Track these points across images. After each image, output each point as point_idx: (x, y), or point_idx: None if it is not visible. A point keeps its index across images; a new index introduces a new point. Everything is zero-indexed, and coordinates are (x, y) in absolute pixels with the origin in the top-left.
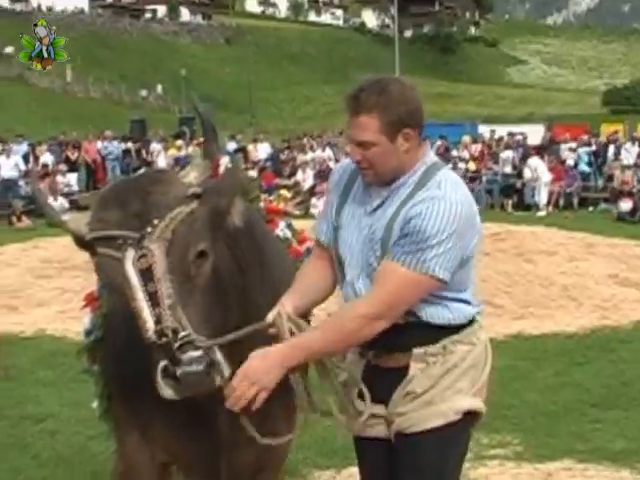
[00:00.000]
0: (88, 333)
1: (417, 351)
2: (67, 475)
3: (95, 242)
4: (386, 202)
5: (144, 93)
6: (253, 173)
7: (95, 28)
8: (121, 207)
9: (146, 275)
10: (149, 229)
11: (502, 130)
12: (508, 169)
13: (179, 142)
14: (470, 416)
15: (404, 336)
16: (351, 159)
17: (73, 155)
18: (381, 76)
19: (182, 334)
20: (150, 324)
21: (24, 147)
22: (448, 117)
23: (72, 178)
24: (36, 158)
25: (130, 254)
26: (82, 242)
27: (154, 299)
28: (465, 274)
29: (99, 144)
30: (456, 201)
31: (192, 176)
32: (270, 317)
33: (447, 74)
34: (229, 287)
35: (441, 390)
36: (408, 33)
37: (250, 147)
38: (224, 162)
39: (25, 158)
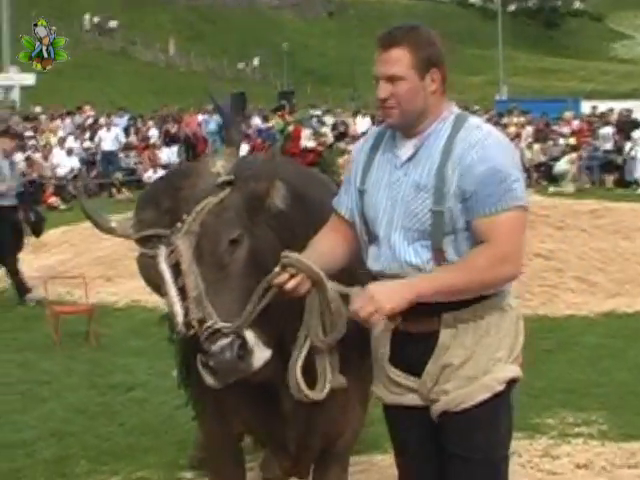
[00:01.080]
0: None
1: (446, 316)
2: (153, 443)
3: (139, 242)
4: (420, 151)
5: (241, 66)
6: (352, 147)
7: (198, 2)
8: (155, 206)
9: (176, 270)
10: (179, 225)
11: (605, 106)
12: (608, 145)
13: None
14: (511, 383)
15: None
16: (377, 98)
17: (173, 128)
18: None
19: (207, 324)
20: (180, 317)
21: (124, 120)
22: (551, 92)
23: (172, 151)
24: (137, 131)
25: (162, 251)
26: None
27: (184, 292)
28: None
29: (199, 117)
30: (501, 135)
31: (219, 165)
32: (278, 268)
33: (551, 49)
34: (272, 267)
35: (481, 362)
36: (512, 7)
37: (350, 121)
38: (305, 134)
39: (126, 131)
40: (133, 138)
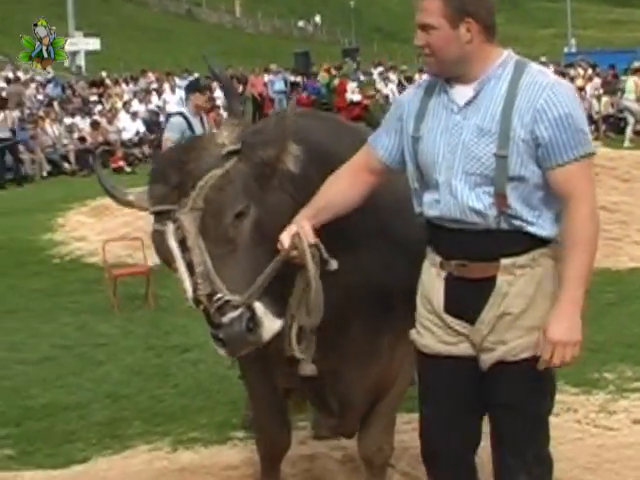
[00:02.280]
0: None
1: (505, 262)
2: (206, 403)
3: (153, 217)
4: (480, 95)
5: (301, 24)
6: None
7: None
8: (164, 181)
9: (183, 246)
10: (184, 200)
11: None
12: None
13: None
14: None
15: (493, 244)
16: (415, 46)
17: (239, 89)
18: None
19: (215, 297)
20: (189, 292)
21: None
22: (621, 44)
23: None
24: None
25: (170, 227)
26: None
27: (191, 268)
28: None
29: (266, 77)
30: (567, 83)
31: (224, 135)
32: (287, 240)
33: (620, 0)
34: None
35: (541, 312)
36: None
37: (416, 77)
38: (351, 87)
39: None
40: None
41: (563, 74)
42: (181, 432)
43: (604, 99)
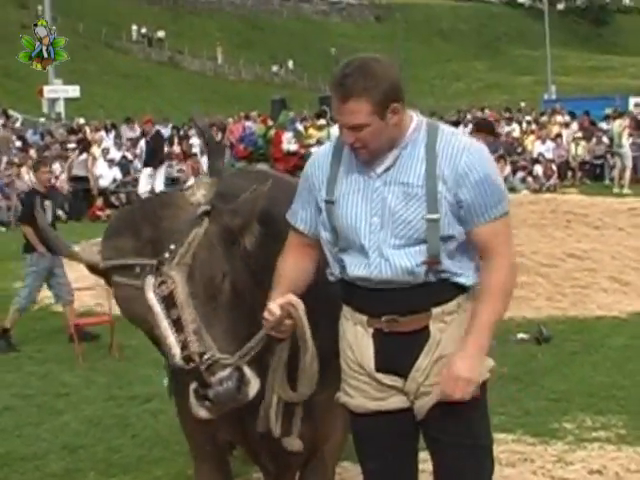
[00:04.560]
0: None
1: (436, 310)
2: (163, 454)
3: (111, 271)
4: (399, 160)
5: (275, 69)
6: None
7: (245, 10)
8: (134, 234)
9: (168, 302)
10: (166, 255)
11: None
12: None
13: (321, 121)
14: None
15: (422, 297)
16: (345, 142)
17: (217, 136)
18: (360, 57)
19: (206, 356)
20: (176, 350)
21: (168, 130)
22: (601, 90)
23: None
24: (181, 140)
25: (150, 281)
26: (96, 270)
27: (178, 325)
28: None
29: (249, 124)
30: (477, 142)
31: (200, 194)
32: (277, 309)
33: (600, 46)
34: (248, 297)
35: None
36: (560, 6)
37: None
38: (287, 137)
39: (170, 140)
40: (177, 148)
41: (537, 121)
42: None
43: (582, 144)
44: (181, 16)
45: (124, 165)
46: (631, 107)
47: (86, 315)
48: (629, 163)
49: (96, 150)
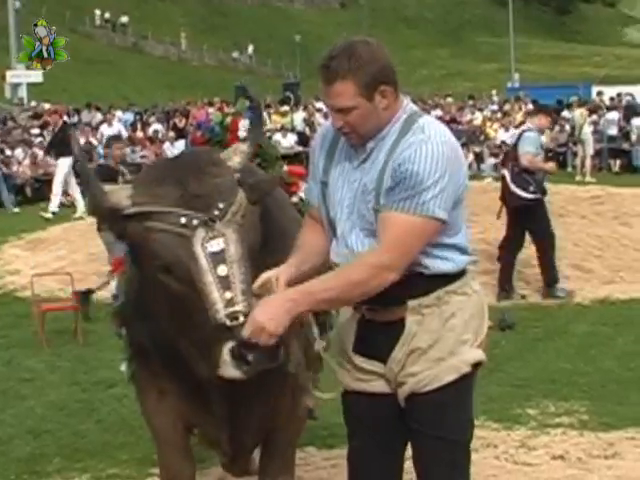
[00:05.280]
0: (115, 297)
1: (412, 303)
2: (128, 439)
3: (142, 217)
4: (372, 153)
5: (235, 54)
6: None
7: None
8: (178, 185)
9: (217, 258)
10: (216, 212)
11: (615, 91)
12: (613, 131)
13: (284, 108)
14: (476, 367)
15: (398, 288)
16: (333, 126)
17: (180, 123)
18: (349, 40)
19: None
20: (220, 306)
21: (130, 115)
22: (564, 79)
23: (180, 145)
24: (144, 126)
25: (200, 234)
26: (111, 217)
27: (224, 282)
28: (457, 216)
29: (210, 111)
30: (441, 142)
31: (236, 161)
32: (264, 276)
33: (564, 35)
34: (259, 263)
35: (448, 344)
36: None
37: None
38: (244, 124)
39: (133, 126)
40: (140, 133)
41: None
42: (101, 468)
43: (546, 132)
44: (145, 1)
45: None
46: (594, 96)
47: (50, 301)
48: (590, 151)
49: None
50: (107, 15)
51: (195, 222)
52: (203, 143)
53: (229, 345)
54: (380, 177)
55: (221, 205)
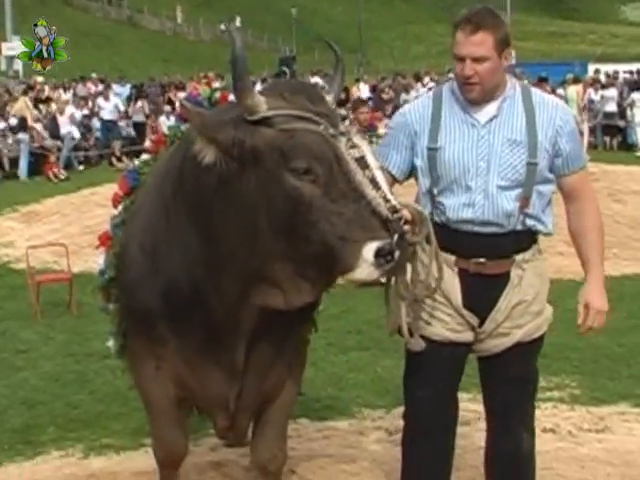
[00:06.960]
0: (102, 273)
1: (518, 257)
2: (122, 410)
3: (290, 120)
4: (503, 112)
5: (222, 27)
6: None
7: None
8: (309, 100)
9: (361, 163)
10: (343, 129)
11: (612, 69)
12: (612, 107)
13: None
14: None
15: (509, 243)
16: (462, 76)
17: (175, 97)
18: (482, 5)
19: (399, 215)
20: (379, 200)
21: (127, 89)
22: (560, 56)
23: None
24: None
25: (343, 141)
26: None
27: (374, 183)
28: None
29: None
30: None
31: (330, 97)
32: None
33: (560, 12)
34: None
35: (543, 298)
36: None
37: (354, 88)
38: (232, 99)
39: (129, 99)
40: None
41: None
42: (94, 438)
43: None
44: None
45: (85, 125)
46: (590, 74)
47: (44, 272)
48: (584, 129)
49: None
50: None
51: (333, 131)
52: None
53: (374, 245)
54: (531, 133)
55: (343, 129)
